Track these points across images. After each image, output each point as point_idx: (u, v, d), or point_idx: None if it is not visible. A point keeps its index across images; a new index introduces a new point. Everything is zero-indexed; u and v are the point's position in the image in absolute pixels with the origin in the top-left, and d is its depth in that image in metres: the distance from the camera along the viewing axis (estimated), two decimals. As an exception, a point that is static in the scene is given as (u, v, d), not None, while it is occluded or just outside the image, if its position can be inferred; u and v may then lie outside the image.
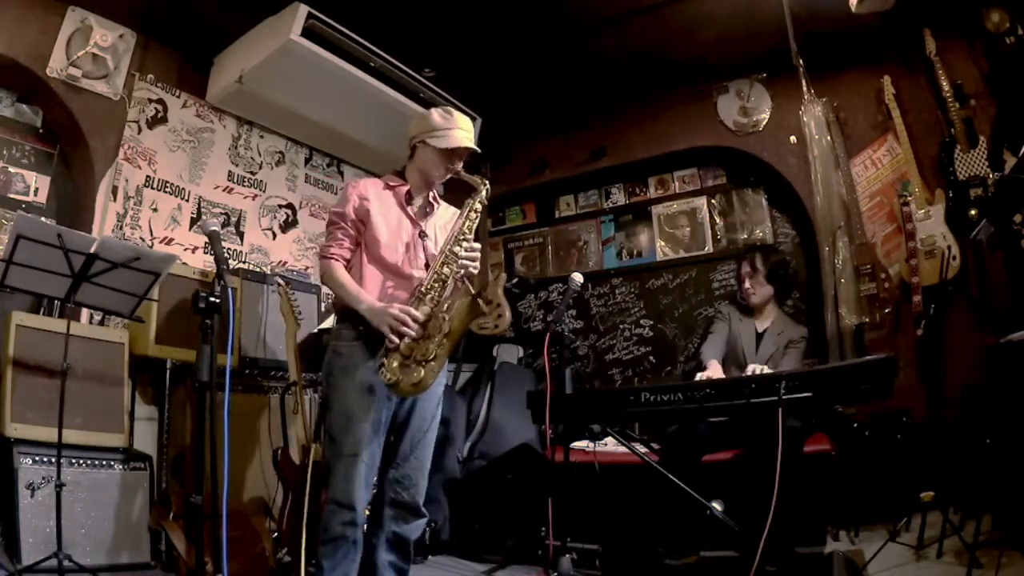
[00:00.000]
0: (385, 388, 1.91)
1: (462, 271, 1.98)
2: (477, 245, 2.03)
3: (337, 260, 2.05)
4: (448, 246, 1.98)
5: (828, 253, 3.58)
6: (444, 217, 2.20)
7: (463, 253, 1.98)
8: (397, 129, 2.17)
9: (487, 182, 2.07)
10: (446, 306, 1.94)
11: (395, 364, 1.88)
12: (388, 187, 2.12)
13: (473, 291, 1.91)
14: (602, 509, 2.90)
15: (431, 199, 2.17)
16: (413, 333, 1.88)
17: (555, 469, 2.64)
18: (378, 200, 2.07)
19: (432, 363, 1.88)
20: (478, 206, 2.04)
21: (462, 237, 2.00)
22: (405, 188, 2.12)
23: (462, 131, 2.06)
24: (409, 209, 2.11)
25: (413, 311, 1.90)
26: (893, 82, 3.45)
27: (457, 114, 2.09)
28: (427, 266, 2.04)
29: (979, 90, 3.22)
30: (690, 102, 4.18)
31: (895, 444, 2.92)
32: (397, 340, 1.87)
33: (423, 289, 1.94)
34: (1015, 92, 3.01)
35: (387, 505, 1.96)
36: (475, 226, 2.04)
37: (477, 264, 2.01)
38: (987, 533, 2.29)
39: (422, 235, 2.08)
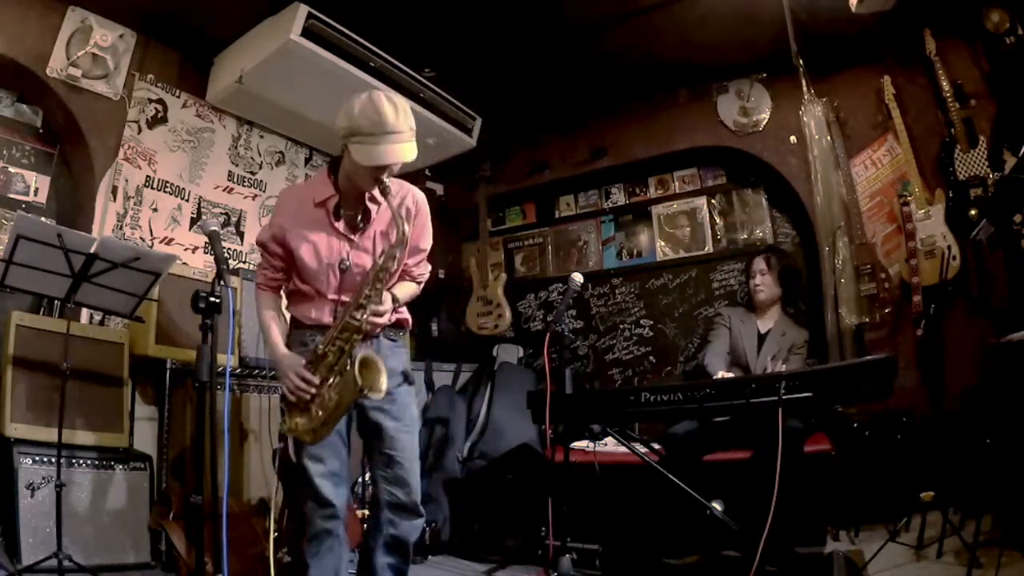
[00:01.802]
0: None
1: (359, 337, 1.78)
2: (384, 308, 1.80)
3: (263, 288, 1.98)
4: (349, 311, 1.78)
5: (828, 253, 3.58)
6: (385, 219, 1.92)
7: (363, 317, 1.76)
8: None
9: (407, 233, 1.78)
10: (340, 375, 1.80)
11: (296, 419, 1.84)
12: (316, 204, 1.89)
13: (359, 381, 1.68)
14: (602, 509, 2.90)
15: (367, 202, 1.91)
16: (307, 397, 1.82)
17: (555, 469, 2.64)
18: (301, 223, 1.88)
19: (321, 429, 1.83)
20: (388, 264, 1.78)
21: (365, 300, 1.76)
22: (334, 201, 1.88)
23: (393, 136, 1.70)
24: (339, 225, 1.89)
25: (309, 376, 1.81)
26: (893, 82, 3.44)
27: (387, 109, 1.70)
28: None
29: (979, 90, 3.21)
30: (690, 102, 4.17)
31: (895, 444, 2.92)
32: (293, 399, 1.84)
33: (319, 352, 1.81)
34: (1015, 92, 3.01)
35: (384, 508, 1.94)
36: (383, 285, 1.80)
37: (381, 327, 1.85)
38: (987, 533, 2.29)
39: (343, 266, 1.86)
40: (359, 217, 1.93)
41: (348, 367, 1.76)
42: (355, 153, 1.74)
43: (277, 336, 1.92)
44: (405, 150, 1.74)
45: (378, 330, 1.89)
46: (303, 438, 1.84)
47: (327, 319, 1.90)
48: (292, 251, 1.89)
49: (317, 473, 1.87)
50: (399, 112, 1.73)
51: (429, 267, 2.11)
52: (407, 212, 1.91)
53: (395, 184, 1.91)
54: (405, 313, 2.04)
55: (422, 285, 2.10)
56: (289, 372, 1.83)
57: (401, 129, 1.72)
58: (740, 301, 3.83)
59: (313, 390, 1.82)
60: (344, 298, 1.89)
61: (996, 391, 2.65)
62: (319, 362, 1.83)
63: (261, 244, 1.97)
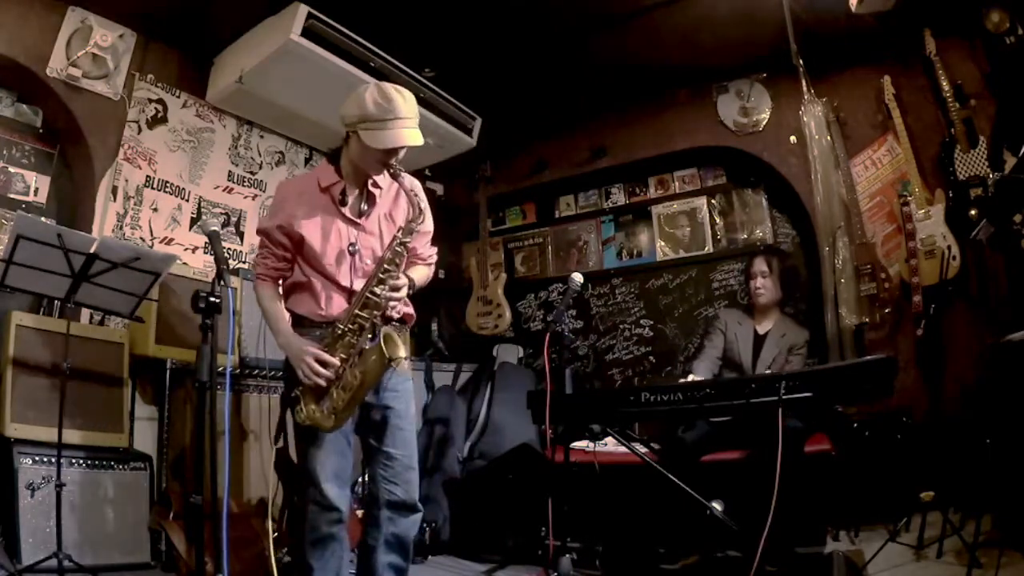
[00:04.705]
0: None
1: (379, 314, 1.83)
2: (402, 282, 1.86)
3: (264, 279, 1.95)
4: (369, 286, 1.82)
5: (828, 253, 3.58)
6: (387, 202, 1.99)
7: (384, 293, 1.81)
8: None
9: (423, 209, 1.87)
10: (362, 353, 1.81)
11: (311, 405, 1.82)
12: (322, 189, 1.92)
13: (387, 351, 1.75)
14: (602, 509, 2.90)
15: (370, 187, 1.96)
16: (323, 382, 1.80)
17: (555, 469, 2.63)
18: (309, 210, 1.90)
19: (343, 412, 1.82)
20: (406, 239, 1.85)
21: (384, 274, 1.82)
22: (339, 187, 1.92)
23: (403, 121, 1.78)
24: (345, 211, 1.92)
25: (328, 358, 1.79)
26: (893, 82, 3.44)
27: (396, 97, 1.79)
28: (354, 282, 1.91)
29: (979, 90, 3.21)
30: (690, 102, 4.17)
31: (895, 444, 2.92)
32: (311, 384, 1.81)
33: (339, 331, 1.82)
34: (1015, 92, 3.01)
35: (383, 507, 1.93)
36: (402, 261, 1.87)
37: (399, 303, 1.90)
38: (987, 533, 2.29)
39: (351, 250, 1.90)
40: (363, 202, 1.97)
41: (370, 344, 1.80)
42: (366, 138, 1.80)
43: (286, 323, 1.91)
44: (413, 135, 1.81)
45: (393, 312, 1.90)
46: (322, 425, 1.82)
47: (336, 311, 1.88)
48: (302, 238, 1.89)
49: (323, 476, 1.85)
50: (406, 100, 1.81)
51: (435, 249, 2.13)
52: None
53: (383, 185, 1.98)
54: (410, 308, 2.03)
55: (432, 267, 2.12)
56: (305, 356, 1.80)
57: (409, 115, 1.81)
58: (740, 301, 3.82)
59: (332, 373, 1.80)
60: (356, 286, 1.89)
61: (996, 391, 2.65)
62: (336, 342, 1.83)
63: (264, 232, 1.95)
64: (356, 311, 1.82)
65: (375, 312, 1.83)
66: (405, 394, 2.00)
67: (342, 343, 1.82)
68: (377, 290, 1.82)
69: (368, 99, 1.80)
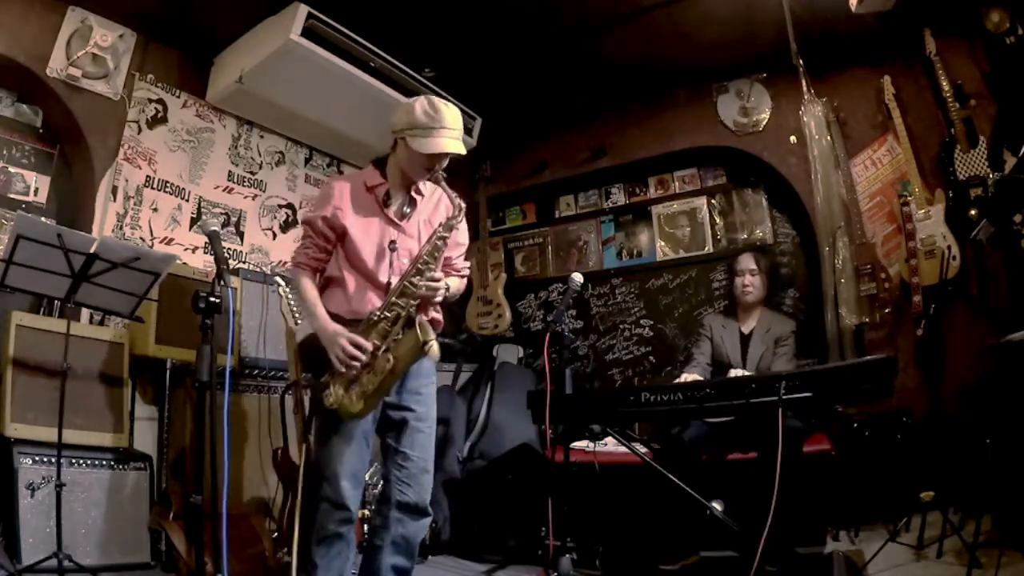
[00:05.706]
0: None
1: (416, 303, 1.88)
2: (439, 275, 1.93)
3: (304, 268, 2.00)
4: (407, 276, 1.89)
5: (828, 253, 3.58)
6: (428, 208, 2.09)
7: (421, 283, 1.88)
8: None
9: (463, 206, 1.94)
10: (395, 340, 1.86)
11: (340, 390, 1.85)
12: (367, 189, 2.01)
13: (421, 336, 1.80)
14: (602, 509, 2.91)
15: (412, 193, 2.06)
16: (358, 365, 1.83)
17: (555, 469, 2.64)
18: (355, 206, 1.98)
19: (372, 398, 1.85)
20: (446, 233, 1.92)
21: (423, 265, 1.89)
22: (384, 188, 2.01)
23: (448, 131, 1.90)
24: (388, 211, 2.01)
25: (363, 341, 1.84)
26: (893, 82, 3.44)
27: (444, 109, 1.91)
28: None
29: (979, 90, 3.21)
30: (690, 102, 4.18)
31: (895, 444, 2.92)
32: (343, 369, 1.84)
33: (375, 318, 1.87)
34: (1015, 92, 3.01)
35: (394, 508, 1.94)
36: (440, 255, 1.94)
37: (439, 295, 1.94)
38: (987, 533, 2.29)
39: (392, 246, 1.96)
40: (405, 206, 2.05)
41: (404, 331, 1.86)
42: (412, 144, 1.90)
43: (323, 308, 1.94)
44: (456, 144, 1.92)
45: (425, 310, 1.94)
46: (350, 410, 1.85)
47: (367, 310, 1.91)
48: (345, 231, 1.95)
49: (342, 473, 1.87)
50: (452, 113, 1.93)
51: (469, 263, 2.19)
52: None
53: (430, 184, 2.07)
54: (440, 314, 2.06)
55: (464, 281, 2.17)
56: (340, 339, 1.84)
57: (454, 126, 1.93)
58: (732, 300, 3.82)
59: (366, 357, 1.84)
60: (393, 282, 1.93)
61: (996, 391, 2.65)
62: (371, 329, 1.87)
63: (308, 223, 2.01)
64: (393, 299, 1.87)
65: (411, 301, 1.88)
66: (428, 398, 2.04)
67: (376, 330, 1.87)
68: (415, 280, 1.88)
69: (417, 108, 1.92)
